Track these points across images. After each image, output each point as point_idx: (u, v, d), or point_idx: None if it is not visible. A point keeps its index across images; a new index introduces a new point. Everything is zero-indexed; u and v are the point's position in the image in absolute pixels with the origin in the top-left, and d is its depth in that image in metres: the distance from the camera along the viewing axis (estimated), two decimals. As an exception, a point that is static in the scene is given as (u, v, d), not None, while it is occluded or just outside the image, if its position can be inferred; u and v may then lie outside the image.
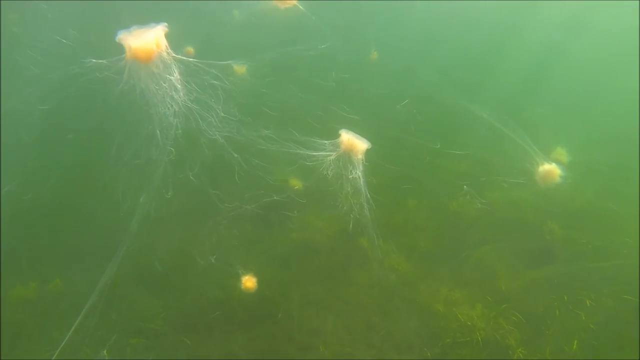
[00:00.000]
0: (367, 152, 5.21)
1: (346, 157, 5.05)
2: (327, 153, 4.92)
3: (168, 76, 3.78)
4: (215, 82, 3.92)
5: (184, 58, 3.85)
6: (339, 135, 5.07)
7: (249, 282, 6.41)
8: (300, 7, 7.86)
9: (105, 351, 6.25)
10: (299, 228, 9.68)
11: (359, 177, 5.03)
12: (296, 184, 8.58)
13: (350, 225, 5.72)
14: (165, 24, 3.74)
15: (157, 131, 3.84)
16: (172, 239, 6.85)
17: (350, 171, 4.93)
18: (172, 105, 3.82)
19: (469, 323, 8.02)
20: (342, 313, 8.53)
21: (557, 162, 7.63)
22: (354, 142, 4.97)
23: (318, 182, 5.57)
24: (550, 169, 7.34)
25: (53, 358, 5.58)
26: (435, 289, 8.83)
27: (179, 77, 3.81)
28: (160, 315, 7.67)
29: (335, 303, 8.72)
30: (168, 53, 3.81)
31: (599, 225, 9.41)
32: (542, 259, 8.85)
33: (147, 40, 3.63)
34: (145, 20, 3.99)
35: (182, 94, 3.82)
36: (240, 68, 9.69)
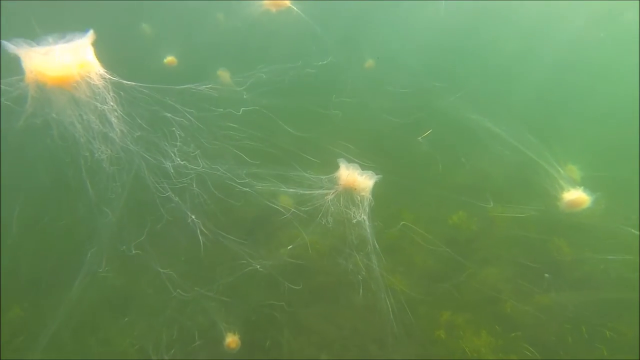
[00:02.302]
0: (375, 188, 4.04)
1: (348, 194, 3.91)
2: (324, 191, 3.76)
3: (100, 106, 2.54)
4: (169, 114, 2.68)
5: (124, 81, 2.61)
6: (337, 169, 3.90)
7: (232, 342, 5.24)
8: (295, 8, 6.75)
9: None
10: (287, 244, 8.54)
11: (364, 221, 3.89)
12: (286, 201, 7.48)
13: (360, 291, 4.62)
14: (91, 32, 2.50)
15: (87, 183, 2.60)
16: (109, 328, 5.50)
17: (353, 213, 3.79)
18: (106, 148, 2.58)
19: (475, 354, 7.00)
20: (335, 340, 7.44)
21: (571, 180, 6.60)
22: (355, 176, 3.80)
23: (308, 203, 4.41)
24: (578, 197, 6.22)
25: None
26: (436, 312, 7.77)
27: (116, 107, 2.57)
28: (135, 347, 6.49)
29: (328, 328, 7.61)
30: (99, 74, 2.56)
31: (609, 243, 8.41)
32: (550, 279, 7.84)
33: (59, 57, 2.38)
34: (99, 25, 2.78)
35: (120, 132, 2.60)
36: (225, 73, 8.50)
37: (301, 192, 3.62)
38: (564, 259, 8.08)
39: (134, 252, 2.94)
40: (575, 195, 5.78)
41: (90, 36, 2.51)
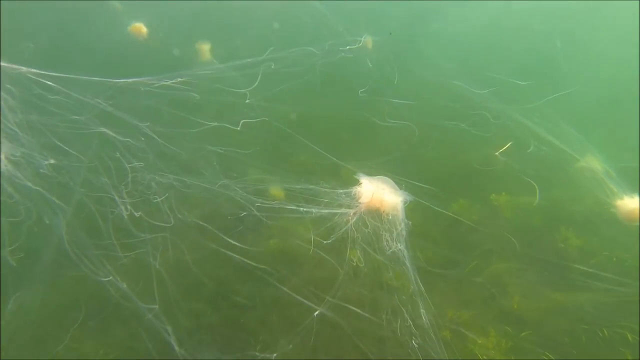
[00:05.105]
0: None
1: (374, 215, 2.87)
2: (342, 211, 2.71)
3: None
4: (105, 129, 1.40)
5: (28, 70, 1.35)
6: (358, 184, 2.82)
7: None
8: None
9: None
10: (277, 234, 7.56)
11: (401, 251, 2.87)
12: (278, 193, 6.47)
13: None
14: None
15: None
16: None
17: (387, 243, 2.76)
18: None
19: (484, 356, 6.27)
20: (331, 340, 6.57)
21: (590, 170, 5.70)
22: (382, 195, 2.75)
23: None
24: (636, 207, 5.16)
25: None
26: (439, 310, 6.93)
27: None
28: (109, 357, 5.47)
29: (323, 328, 6.70)
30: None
31: (619, 233, 7.59)
32: (556, 272, 7.06)
33: None
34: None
35: (6, 160, 1.35)
36: (205, 46, 6.62)
37: (315, 211, 2.57)
38: (571, 249, 7.29)
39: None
40: (632, 205, 4.71)
41: None
